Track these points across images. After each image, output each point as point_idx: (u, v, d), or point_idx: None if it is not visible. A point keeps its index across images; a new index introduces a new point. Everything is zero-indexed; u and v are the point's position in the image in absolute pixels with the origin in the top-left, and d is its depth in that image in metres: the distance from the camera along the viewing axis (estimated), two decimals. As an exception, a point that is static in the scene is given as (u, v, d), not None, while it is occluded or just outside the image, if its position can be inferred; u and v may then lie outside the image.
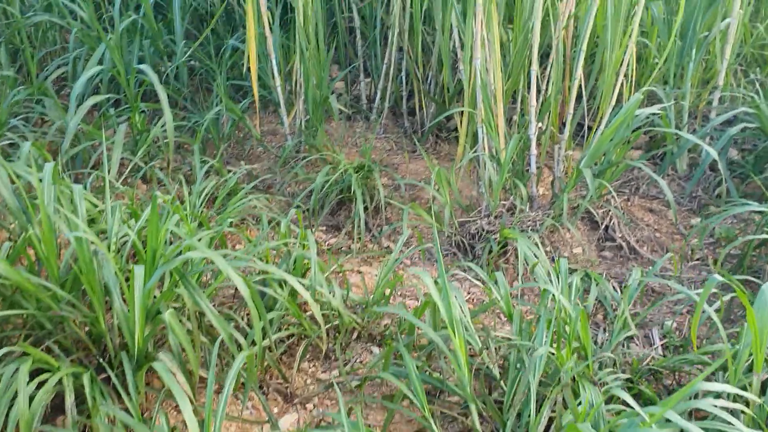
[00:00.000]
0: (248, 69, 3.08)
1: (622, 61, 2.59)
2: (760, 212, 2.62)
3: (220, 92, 3.11)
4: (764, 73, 3.29)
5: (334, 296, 2.01)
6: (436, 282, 1.71)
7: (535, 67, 2.64)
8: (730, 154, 3.00)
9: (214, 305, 2.07)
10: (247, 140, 3.37)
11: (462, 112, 3.45)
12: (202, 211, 2.54)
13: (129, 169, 2.85)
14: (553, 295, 1.70)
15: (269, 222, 2.66)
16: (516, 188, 2.68)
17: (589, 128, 3.00)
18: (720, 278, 1.61)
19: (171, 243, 2.01)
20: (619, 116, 2.40)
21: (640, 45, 3.18)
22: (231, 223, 2.61)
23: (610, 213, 2.68)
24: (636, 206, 2.86)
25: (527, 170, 2.77)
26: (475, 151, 2.73)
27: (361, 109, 3.68)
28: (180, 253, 1.71)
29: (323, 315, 2.02)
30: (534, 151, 2.72)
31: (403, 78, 3.50)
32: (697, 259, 2.57)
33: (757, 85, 3.19)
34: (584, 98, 2.80)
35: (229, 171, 3.13)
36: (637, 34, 2.50)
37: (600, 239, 2.67)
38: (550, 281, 1.99)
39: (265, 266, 1.74)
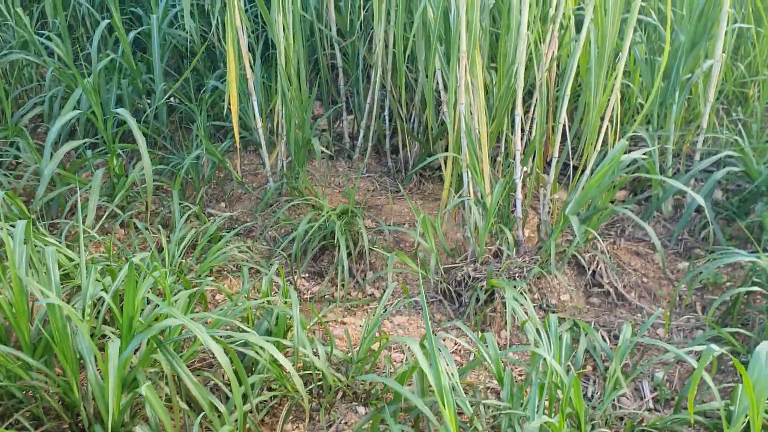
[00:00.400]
0: (229, 109, 3.03)
1: (607, 104, 2.57)
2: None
3: (200, 134, 3.05)
4: (746, 112, 3.29)
5: (317, 355, 1.94)
6: (422, 345, 1.66)
7: (519, 111, 2.62)
8: (715, 195, 2.99)
9: (194, 364, 2.01)
10: (227, 181, 3.31)
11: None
12: (181, 262, 2.48)
13: (106, 215, 2.78)
14: (545, 358, 1.65)
15: (251, 269, 2.60)
16: (502, 233, 2.64)
17: (575, 168, 2.98)
18: (716, 348, 1.57)
19: (149, 302, 1.95)
20: (605, 163, 2.38)
21: (621, 85, 3.18)
22: (211, 269, 2.55)
23: (597, 258, 2.65)
24: (622, 249, 2.83)
25: (512, 213, 2.74)
26: (460, 196, 2.69)
27: (343, 147, 3.64)
28: (158, 319, 1.65)
29: (307, 374, 1.95)
30: (519, 195, 2.68)
31: (386, 117, 3.47)
32: (686, 306, 2.54)
33: (740, 125, 3.19)
34: (569, 140, 2.78)
35: (209, 215, 3.07)
36: (621, 79, 2.48)
37: (587, 285, 2.64)
38: (540, 337, 1.95)
39: (246, 335, 1.68)
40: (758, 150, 2.84)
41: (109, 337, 1.69)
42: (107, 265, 2.07)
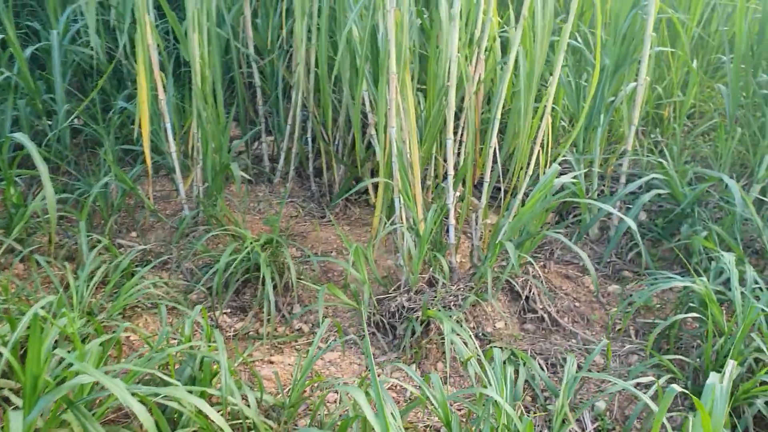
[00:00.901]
0: (140, 132, 2.82)
1: (538, 128, 2.54)
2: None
3: (108, 159, 2.83)
4: (665, 133, 3.35)
5: (247, 403, 1.78)
6: (367, 393, 1.53)
7: (450, 134, 2.54)
8: (639, 217, 3.01)
9: (108, 415, 1.81)
10: (139, 209, 3.08)
11: (374, 177, 3.33)
12: (90, 301, 2.25)
13: (2, 249, 2.51)
14: (496, 401, 1.56)
15: (169, 306, 2.41)
16: (436, 260, 2.55)
17: (505, 192, 2.94)
18: (678, 388, 1.52)
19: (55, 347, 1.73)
20: (538, 189, 2.33)
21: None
22: (124, 308, 2.34)
23: (530, 283, 2.60)
24: (553, 273, 2.80)
25: (445, 239, 2.65)
26: (392, 222, 2.59)
27: (263, 170, 3.48)
28: (66, 378, 1.45)
29: (236, 423, 1.79)
30: (452, 220, 2.60)
31: (309, 139, 3.33)
32: (619, 330, 2.52)
33: (662, 146, 3.24)
34: (499, 165, 2.73)
35: (120, 246, 2.85)
36: (551, 104, 2.46)
37: (521, 311, 2.58)
38: (483, 371, 1.86)
39: (169, 388, 1.50)
40: (680, 172, 2.88)
41: (8, 398, 1.48)
42: (4, 310, 1.85)
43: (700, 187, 2.67)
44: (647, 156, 2.93)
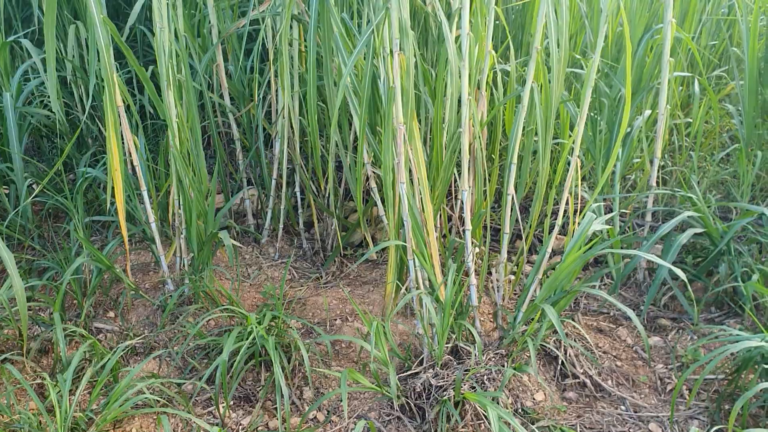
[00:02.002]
0: (113, 203, 2.50)
1: (566, 173, 2.30)
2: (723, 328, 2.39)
3: (80, 237, 2.49)
4: (679, 161, 3.14)
5: None
6: None
7: (466, 185, 2.29)
8: (664, 254, 2.79)
9: None
10: (116, 284, 2.75)
11: (371, 229, 3.05)
12: (75, 415, 1.92)
13: (-39, 354, 2.17)
14: None
15: (165, 401, 2.08)
16: (459, 326, 2.27)
17: (523, 238, 2.69)
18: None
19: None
20: (575, 244, 2.08)
21: (555, 146, 2.95)
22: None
23: (564, 343, 2.34)
24: (584, 327, 2.55)
25: (465, 300, 2.38)
26: (407, 288, 2.30)
27: (248, 230, 3.17)
28: None
29: None
30: (473, 280, 2.34)
31: (297, 192, 3.04)
32: (669, 391, 2.27)
33: (678, 174, 3.03)
34: (517, 212, 2.47)
35: (98, 332, 2.52)
36: (579, 145, 2.21)
37: (558, 376, 2.31)
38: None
39: None
40: (706, 204, 2.66)
41: None
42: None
43: (736, 223, 2.45)
44: (674, 191, 2.71)
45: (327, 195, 3.03)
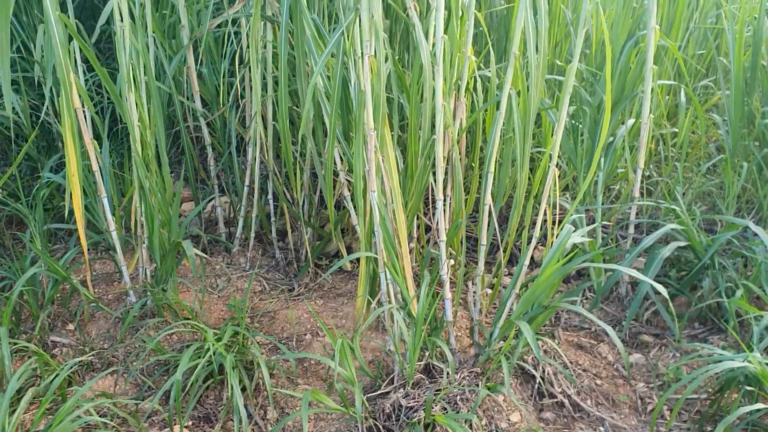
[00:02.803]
0: (72, 210, 2.38)
1: (543, 182, 2.20)
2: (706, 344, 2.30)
3: (35, 247, 2.37)
4: (665, 171, 3.06)
5: None
6: None
7: (441, 195, 2.18)
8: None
9: None
10: (77, 294, 2.63)
11: (348, 239, 2.95)
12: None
13: None
14: None
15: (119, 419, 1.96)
16: (432, 343, 2.17)
17: (500, 249, 2.59)
18: None
19: None
20: (553, 257, 1.98)
21: (534, 153, 2.86)
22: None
23: (541, 361, 2.24)
24: (563, 343, 2.44)
25: (439, 314, 2.28)
26: (379, 302, 2.20)
27: (218, 238, 3.05)
28: None
29: None
30: (448, 294, 2.23)
31: (270, 199, 2.93)
32: (650, 411, 2.17)
33: (662, 186, 2.94)
34: (495, 224, 2.37)
35: (54, 346, 2.40)
36: (557, 153, 2.12)
37: (535, 396, 2.21)
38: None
39: None
40: (691, 217, 2.58)
41: None
42: None
43: (720, 237, 2.36)
44: (658, 202, 2.61)
45: (302, 203, 2.92)
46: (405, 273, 2.16)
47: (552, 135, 2.13)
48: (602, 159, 2.56)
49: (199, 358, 2.02)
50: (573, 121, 2.63)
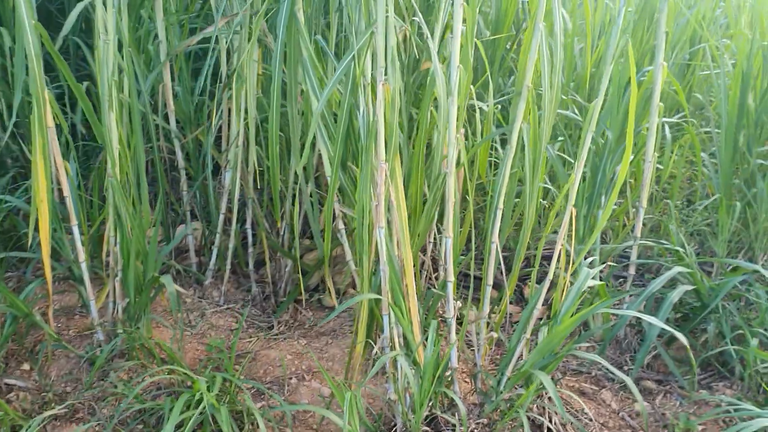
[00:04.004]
0: (35, 237, 2.14)
1: (560, 224, 2.09)
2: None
3: (-8, 279, 2.12)
4: (656, 209, 3.00)
5: None
6: None
7: (450, 233, 2.05)
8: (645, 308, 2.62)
9: None
10: (33, 328, 2.38)
11: (330, 270, 2.78)
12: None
13: None
14: None
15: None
16: (435, 393, 2.01)
17: (506, 286, 2.46)
18: None
19: None
20: (572, 306, 1.87)
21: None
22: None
23: (548, 410, 2.11)
24: (566, 389, 2.33)
25: (443, 361, 2.13)
26: (381, 349, 2.03)
27: (189, 269, 2.83)
28: None
29: None
30: (454, 337, 2.09)
31: (248, 229, 2.73)
32: (664, 464, 2.07)
33: (656, 223, 2.88)
34: (501, 260, 2.25)
35: (8, 389, 2.14)
36: (575, 195, 2.01)
37: (543, 447, 2.08)
38: None
39: None
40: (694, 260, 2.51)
41: None
42: None
43: (729, 281, 2.29)
44: (660, 242, 2.54)
45: (282, 233, 2.74)
46: (411, 315, 2.00)
47: (549, 168, 2.03)
48: (603, 197, 2.48)
49: (188, 408, 1.81)
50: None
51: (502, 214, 2.24)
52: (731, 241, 2.88)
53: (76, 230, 2.16)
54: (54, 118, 2.00)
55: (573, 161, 2.82)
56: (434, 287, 2.64)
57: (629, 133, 1.93)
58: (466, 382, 2.31)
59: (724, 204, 2.71)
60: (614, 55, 1.86)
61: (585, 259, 2.18)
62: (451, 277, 2.06)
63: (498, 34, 3.05)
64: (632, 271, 2.49)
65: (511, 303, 2.74)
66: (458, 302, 2.09)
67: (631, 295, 2.49)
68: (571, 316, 1.87)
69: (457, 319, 2.16)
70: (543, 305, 2.15)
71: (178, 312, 2.39)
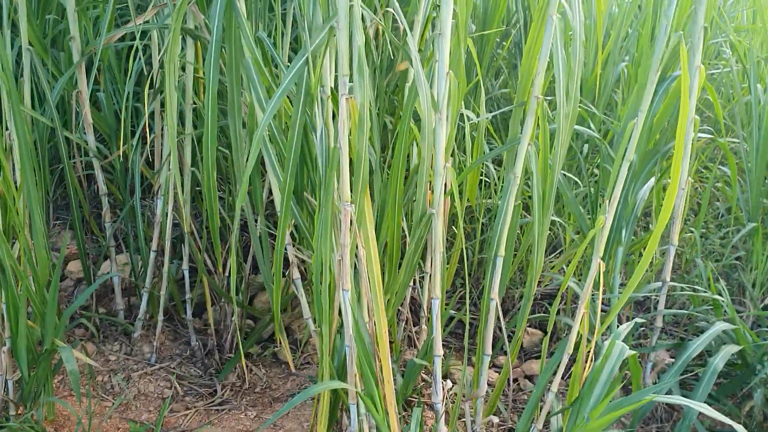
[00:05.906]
0: None
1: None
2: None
3: None
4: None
5: None
6: None
7: (438, 293, 1.56)
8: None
9: None
10: None
11: (287, 317, 2.30)
12: None
13: None
14: None
15: None
16: (420, 501, 1.53)
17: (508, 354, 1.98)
18: None
19: None
20: (605, 395, 1.40)
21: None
22: None
23: None
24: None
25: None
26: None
27: (114, 319, 2.31)
28: None
29: None
30: (443, 427, 1.60)
31: (186, 270, 2.22)
32: None
33: (683, 260, 2.43)
34: (501, 318, 1.76)
35: None
36: (604, 245, 1.54)
37: None
38: None
39: None
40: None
41: None
42: None
43: (782, 340, 1.84)
44: (694, 288, 2.08)
45: (227, 272, 2.23)
46: (387, 404, 1.51)
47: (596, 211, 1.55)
48: (624, 231, 2.01)
49: None
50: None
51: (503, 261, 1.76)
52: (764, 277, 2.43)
53: (-57, 289, 1.64)
54: None
55: (576, 178, 2.37)
56: (413, 338, 2.17)
57: (676, 159, 1.46)
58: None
59: (761, 233, 2.26)
60: (661, 59, 1.38)
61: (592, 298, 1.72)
62: (439, 351, 1.57)
63: (487, 30, 2.56)
64: (659, 323, 2.02)
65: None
66: (448, 382, 1.61)
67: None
68: (600, 412, 1.39)
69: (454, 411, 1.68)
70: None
71: (85, 395, 1.87)
